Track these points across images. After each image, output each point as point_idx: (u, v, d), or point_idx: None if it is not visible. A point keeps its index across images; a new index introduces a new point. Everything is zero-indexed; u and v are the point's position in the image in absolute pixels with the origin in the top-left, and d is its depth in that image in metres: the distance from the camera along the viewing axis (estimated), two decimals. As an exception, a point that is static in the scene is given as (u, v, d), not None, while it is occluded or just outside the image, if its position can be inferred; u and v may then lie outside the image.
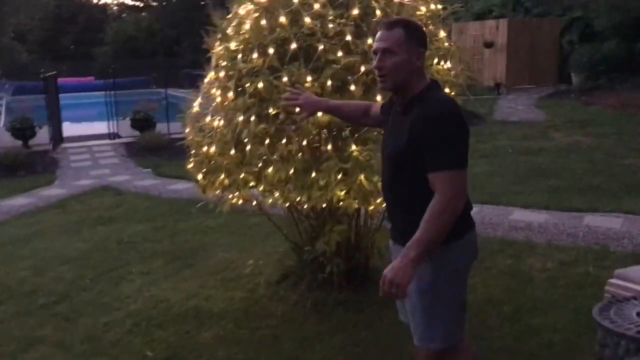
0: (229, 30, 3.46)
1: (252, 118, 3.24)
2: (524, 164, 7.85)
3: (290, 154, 3.27)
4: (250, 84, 3.20)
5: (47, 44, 37.11)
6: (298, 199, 3.27)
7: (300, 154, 3.31)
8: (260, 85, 3.14)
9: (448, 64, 3.46)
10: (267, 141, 3.26)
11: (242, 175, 3.35)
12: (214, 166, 3.45)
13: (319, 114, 3.09)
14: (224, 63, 3.44)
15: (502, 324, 3.43)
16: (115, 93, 11.61)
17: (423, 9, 3.37)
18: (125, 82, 18.56)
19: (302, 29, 3.17)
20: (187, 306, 3.85)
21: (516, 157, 8.37)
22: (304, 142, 3.26)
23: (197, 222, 5.81)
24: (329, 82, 3.13)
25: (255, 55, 3.21)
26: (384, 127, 2.35)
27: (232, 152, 3.36)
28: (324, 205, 3.29)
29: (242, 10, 3.48)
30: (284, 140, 3.25)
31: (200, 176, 3.53)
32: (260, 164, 3.35)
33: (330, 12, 3.20)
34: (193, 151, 3.63)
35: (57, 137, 11.02)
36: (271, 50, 3.18)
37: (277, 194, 3.34)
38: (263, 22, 3.26)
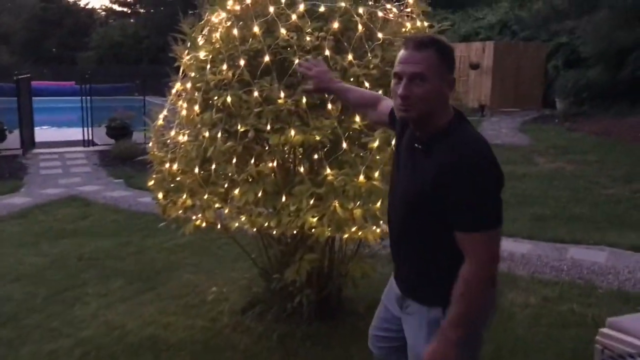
0: (199, 39, 3.20)
1: (219, 134, 2.98)
2: (508, 190, 7.57)
3: (260, 175, 3.02)
4: (218, 98, 2.94)
5: (30, 46, 36.52)
6: (266, 224, 3.01)
7: (271, 174, 3.06)
8: (229, 99, 2.89)
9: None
10: (234, 160, 3.00)
11: (206, 196, 3.08)
12: (176, 185, 3.18)
13: (292, 132, 2.86)
14: (192, 74, 3.18)
15: (482, 366, 3.18)
16: (92, 99, 11.26)
17: (408, 24, 3.15)
18: (106, 88, 18.20)
19: (277, 41, 2.93)
20: (144, 334, 3.55)
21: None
22: (275, 163, 3.01)
23: (165, 238, 5.50)
24: (304, 99, 2.89)
25: (224, 67, 2.96)
26: (394, 152, 2.05)
27: (197, 170, 3.09)
28: (295, 232, 3.03)
29: (214, 18, 3.24)
30: (252, 160, 3.00)
31: (161, 195, 3.25)
32: (226, 185, 3.09)
33: (309, 25, 2.96)
34: (155, 167, 3.35)
35: (29, 142, 10.63)
36: (242, 62, 2.93)
37: (243, 218, 3.07)
38: (235, 31, 3.01)
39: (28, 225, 6.22)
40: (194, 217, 3.28)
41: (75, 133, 11.74)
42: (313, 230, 2.96)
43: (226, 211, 3.13)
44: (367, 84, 2.98)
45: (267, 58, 2.89)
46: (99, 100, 11.65)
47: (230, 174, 3.04)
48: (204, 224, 3.27)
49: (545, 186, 7.86)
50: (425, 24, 3.25)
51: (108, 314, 3.86)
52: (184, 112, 3.21)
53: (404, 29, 3.18)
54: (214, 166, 3.04)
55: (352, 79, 2.98)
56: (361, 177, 2.87)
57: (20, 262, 4.96)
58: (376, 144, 2.92)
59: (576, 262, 4.79)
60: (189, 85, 3.18)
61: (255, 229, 3.17)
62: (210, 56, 3.06)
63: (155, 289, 4.32)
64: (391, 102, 2.13)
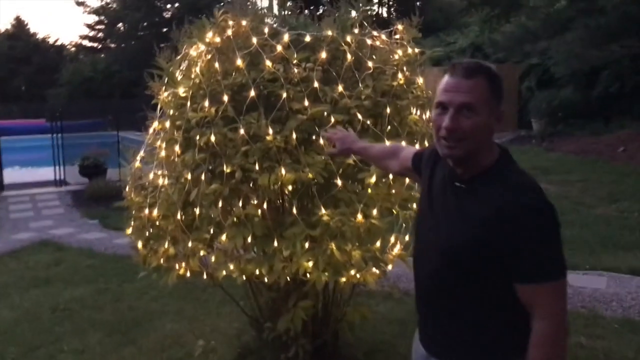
0: (177, 74, 2.99)
1: (203, 176, 2.75)
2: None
3: (248, 217, 2.79)
4: (201, 137, 2.71)
5: (-3, 84, 35.91)
6: (257, 271, 2.77)
7: (260, 216, 2.83)
8: (213, 138, 2.66)
9: (427, 115, 3.07)
10: (220, 203, 2.76)
11: (190, 244, 2.83)
12: (157, 232, 2.93)
13: (282, 171, 2.64)
14: (171, 111, 2.95)
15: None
16: (64, 136, 10.90)
17: (400, 52, 2.98)
18: (78, 124, 17.80)
19: (263, 74, 2.73)
20: (125, 396, 3.25)
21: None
22: (265, 204, 2.79)
23: (144, 283, 5.17)
24: (294, 135, 2.68)
25: (206, 103, 2.74)
26: (422, 195, 1.81)
27: (179, 215, 2.84)
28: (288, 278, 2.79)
29: (193, 52, 3.03)
30: (240, 202, 2.76)
31: (140, 244, 2.99)
32: (212, 230, 2.85)
33: (295, 55, 2.77)
34: (133, 213, 3.09)
35: (-3, 184, 10.23)
36: (226, 98, 2.71)
37: (232, 266, 2.82)
38: (216, 65, 2.80)
39: (-3, 274, 5.85)
40: (177, 266, 3.02)
41: (46, 173, 11.34)
42: (308, 275, 2.74)
43: (213, 259, 2.88)
44: (359, 116, 2.79)
45: (252, 92, 2.68)
46: (70, 137, 11.30)
47: (215, 219, 2.80)
48: (188, 274, 3.01)
49: (532, 209, 7.73)
50: (417, 50, 3.09)
51: (85, 374, 3.56)
52: (163, 153, 2.97)
53: (395, 56, 3.01)
54: (197, 210, 2.80)
55: (342, 111, 2.80)
56: (359, 216, 2.66)
57: (-12, 316, 4.61)
58: (373, 179, 2.72)
59: (576, 289, 4.61)
60: (167, 123, 2.95)
61: (244, 277, 2.91)
62: (191, 92, 2.84)
63: (136, 341, 4.01)
64: (412, 149, 1.95)
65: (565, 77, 15.31)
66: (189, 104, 2.83)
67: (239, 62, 2.74)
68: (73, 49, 41.19)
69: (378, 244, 2.82)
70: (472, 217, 1.54)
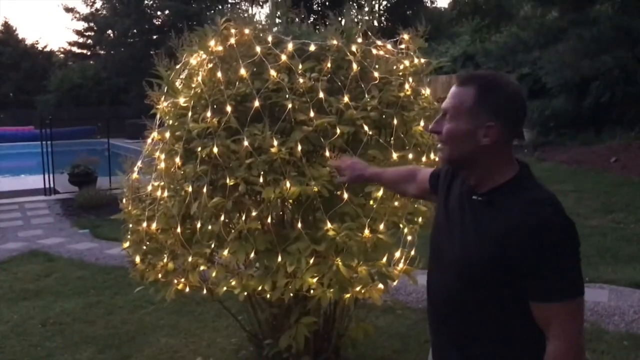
0: (178, 83, 2.90)
1: (204, 189, 2.66)
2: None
3: (251, 232, 2.69)
4: (203, 148, 2.62)
5: (-15, 91, 35.56)
6: (260, 287, 2.67)
7: (263, 231, 2.74)
8: (215, 150, 2.57)
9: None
10: (222, 217, 2.67)
11: (190, 258, 2.73)
12: (156, 246, 2.83)
13: (287, 184, 2.56)
14: (170, 121, 2.86)
15: None
16: (53, 144, 10.71)
17: (406, 62, 2.92)
18: (67, 131, 17.63)
19: (267, 84, 2.65)
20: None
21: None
22: (268, 218, 2.70)
23: (137, 296, 5.04)
24: (299, 147, 2.60)
25: (209, 114, 2.65)
26: (438, 212, 1.75)
27: (179, 229, 2.75)
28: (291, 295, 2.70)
29: (193, 60, 2.95)
30: (243, 216, 2.67)
31: (138, 259, 2.89)
32: (212, 244, 2.76)
33: (300, 65, 2.69)
34: (130, 227, 2.99)
35: (-15, 193, 10.04)
36: (229, 108, 2.63)
37: (233, 282, 2.72)
38: (219, 74, 2.71)
39: (-15, 286, 5.70)
40: (175, 281, 2.92)
41: (35, 181, 11.17)
42: (312, 291, 2.65)
43: (213, 274, 2.78)
44: (365, 127, 2.72)
45: (256, 103, 2.59)
46: (60, 144, 11.12)
47: (216, 233, 2.71)
48: (187, 289, 2.91)
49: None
50: (423, 60, 3.02)
51: (78, 392, 3.43)
52: (162, 164, 2.88)
53: (401, 66, 2.94)
54: (198, 224, 2.70)
55: (348, 122, 2.72)
56: (366, 231, 2.58)
57: (-25, 331, 4.46)
58: (380, 192, 2.64)
59: (578, 302, 4.55)
60: (167, 134, 2.86)
61: (246, 294, 2.82)
62: (192, 102, 2.75)
63: (130, 357, 3.89)
64: (428, 170, 1.91)
65: (556, 87, 15.38)
66: (189, 114, 2.74)
67: (243, 71, 2.66)
68: (62, 55, 40.91)
69: (384, 259, 2.73)
70: (488, 232, 1.49)
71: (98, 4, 36.90)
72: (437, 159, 2.77)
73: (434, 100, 3.11)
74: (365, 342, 3.64)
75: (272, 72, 2.65)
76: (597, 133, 14.48)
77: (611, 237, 6.65)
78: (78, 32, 38.20)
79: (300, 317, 2.94)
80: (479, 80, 1.50)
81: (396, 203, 2.82)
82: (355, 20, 3.13)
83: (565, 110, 15.17)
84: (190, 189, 2.71)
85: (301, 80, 2.65)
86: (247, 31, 2.79)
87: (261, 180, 2.54)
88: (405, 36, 3.01)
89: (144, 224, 2.86)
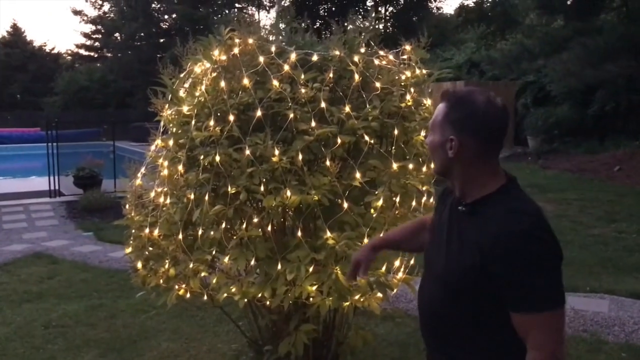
0: (182, 92, 2.94)
1: (206, 196, 2.70)
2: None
3: (251, 239, 2.73)
4: (205, 157, 2.66)
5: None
6: (259, 294, 2.70)
7: (263, 238, 2.77)
8: (218, 158, 2.61)
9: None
10: (223, 224, 2.71)
11: (191, 265, 2.77)
12: (157, 252, 2.86)
13: (288, 193, 2.59)
14: (174, 129, 2.90)
15: None
16: (59, 145, 10.77)
17: (408, 73, 2.95)
18: (73, 133, 17.72)
19: (269, 94, 2.68)
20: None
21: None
22: (269, 226, 2.73)
23: (139, 299, 5.08)
24: (300, 156, 2.63)
25: (212, 123, 2.69)
26: (433, 222, 1.78)
27: (180, 235, 2.78)
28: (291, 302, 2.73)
29: (197, 69, 2.99)
30: (244, 224, 2.71)
31: (140, 264, 2.92)
32: (213, 251, 2.79)
33: (303, 75, 2.73)
34: (133, 232, 3.02)
35: (-9, 194, 10.11)
36: (231, 118, 2.67)
37: (233, 288, 2.75)
38: (222, 83, 2.75)
39: (-11, 288, 5.74)
40: (176, 287, 2.95)
41: (40, 183, 11.23)
42: (311, 299, 2.68)
43: (214, 281, 2.81)
44: (366, 137, 2.75)
45: (259, 112, 2.63)
46: (65, 146, 11.18)
47: (218, 240, 2.74)
48: (188, 294, 2.94)
49: (531, 228, 7.70)
50: (424, 71, 3.05)
51: (79, 395, 3.46)
52: (165, 172, 2.92)
53: (402, 77, 2.97)
54: (200, 231, 2.74)
55: (349, 132, 2.76)
56: (365, 240, 2.61)
57: (-21, 333, 4.50)
58: (379, 202, 2.67)
59: (578, 312, 4.56)
60: (171, 141, 2.90)
61: (246, 300, 2.85)
62: (195, 110, 2.79)
63: (131, 361, 3.92)
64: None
65: (561, 95, 15.40)
66: (193, 122, 2.78)
67: (246, 81, 2.70)
68: (69, 57, 41.17)
69: (384, 268, 2.76)
70: (470, 243, 1.53)
71: (106, 7, 37.20)
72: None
73: (435, 110, 3.13)
74: (365, 350, 3.66)
75: (275, 82, 2.69)
76: (601, 141, 14.48)
77: (613, 246, 6.65)
78: (85, 35, 38.50)
79: (300, 324, 2.96)
80: (451, 96, 1.60)
81: (396, 212, 2.85)
82: (359, 29, 3.16)
83: (570, 118, 15.18)
84: (192, 196, 2.74)
85: (303, 90, 2.68)
86: (250, 41, 2.83)
87: (262, 188, 2.57)
88: (407, 47, 3.03)
89: (146, 230, 2.90)
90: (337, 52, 2.86)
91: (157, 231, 2.86)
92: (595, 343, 4.05)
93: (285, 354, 3.00)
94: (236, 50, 2.81)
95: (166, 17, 35.70)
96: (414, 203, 2.84)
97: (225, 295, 2.82)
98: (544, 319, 1.44)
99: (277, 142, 2.65)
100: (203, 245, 2.79)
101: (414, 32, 3.11)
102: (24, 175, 14.65)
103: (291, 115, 2.63)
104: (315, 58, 2.84)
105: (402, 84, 2.96)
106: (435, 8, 33.73)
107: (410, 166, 2.83)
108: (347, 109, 2.74)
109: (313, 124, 2.66)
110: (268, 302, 2.76)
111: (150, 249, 2.93)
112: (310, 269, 2.61)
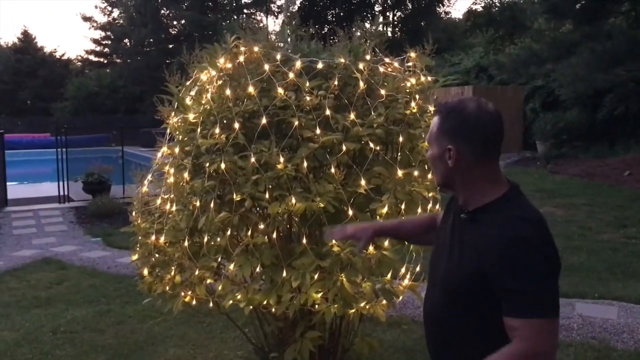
0: (188, 100, 2.96)
1: (212, 203, 2.71)
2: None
3: (257, 246, 2.74)
4: (211, 164, 2.67)
5: (4, 98, 36.10)
6: (265, 301, 2.71)
7: (269, 245, 2.77)
8: (223, 165, 2.62)
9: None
10: (229, 232, 2.72)
11: (197, 272, 2.78)
12: (164, 259, 2.88)
13: (293, 200, 2.60)
14: (180, 137, 2.92)
15: None
16: (68, 151, 10.83)
17: (413, 80, 2.95)
18: (83, 139, 17.85)
19: (274, 101, 2.70)
20: None
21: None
22: (274, 233, 2.74)
23: (147, 305, 5.09)
24: (305, 163, 2.64)
25: (217, 130, 2.70)
26: (437, 233, 1.80)
27: (186, 242, 2.80)
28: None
29: (203, 77, 3.01)
30: (249, 231, 2.72)
31: (146, 271, 2.94)
32: (219, 258, 2.80)
33: (308, 83, 2.74)
34: (139, 239, 3.04)
35: (1, 200, 10.18)
36: (237, 125, 2.68)
37: (238, 295, 2.76)
38: (228, 91, 2.77)
39: (-2, 293, 5.79)
40: (182, 294, 2.97)
41: (50, 188, 11.31)
42: (316, 306, 2.68)
43: (220, 288, 2.82)
44: (371, 144, 2.76)
45: (264, 120, 2.65)
46: (75, 151, 11.26)
47: (223, 247, 2.75)
48: (194, 301, 2.95)
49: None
50: (430, 78, 3.06)
51: (86, 401, 3.48)
52: (171, 179, 2.93)
53: (407, 84, 2.98)
54: (206, 238, 2.75)
55: (354, 139, 2.76)
56: (370, 247, 2.61)
57: (-12, 338, 4.53)
58: (385, 209, 2.67)
59: (586, 319, 4.53)
60: (177, 149, 2.92)
61: (252, 307, 2.85)
62: (201, 118, 2.81)
63: (139, 367, 3.94)
64: None
65: (570, 100, 15.35)
66: (199, 130, 2.80)
67: (251, 89, 2.71)
68: (79, 63, 41.49)
69: (389, 276, 2.76)
70: (470, 249, 1.54)
71: (115, 13, 37.49)
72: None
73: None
74: (371, 357, 3.65)
75: (280, 90, 2.70)
76: (611, 146, 14.40)
77: (622, 252, 6.60)
78: (95, 41, 38.79)
79: (306, 331, 2.96)
80: (442, 109, 1.64)
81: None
82: (365, 36, 3.17)
83: (579, 123, 15.12)
84: (198, 204, 2.75)
85: (308, 98, 2.70)
86: (256, 49, 2.85)
87: (267, 196, 2.58)
88: (412, 54, 3.04)
89: (153, 237, 2.92)
90: (342, 60, 2.87)
91: (163, 238, 2.88)
92: (604, 350, 4.01)
93: (291, 360, 3.00)
94: (241, 58, 2.82)
95: (175, 23, 35.94)
96: (419, 210, 2.84)
97: (230, 302, 2.84)
98: (532, 325, 1.42)
99: (282, 149, 2.66)
100: (209, 252, 2.80)
101: (421, 37, 3.11)
102: (33, 181, 14.76)
103: (296, 123, 2.64)
104: (320, 66, 2.85)
105: (407, 91, 2.96)
106: (443, 13, 33.75)
107: (416, 173, 2.83)
108: (352, 116, 2.75)
109: (318, 131, 2.67)
110: (273, 309, 2.77)
111: (157, 255, 2.95)
112: (316, 276, 2.62)
